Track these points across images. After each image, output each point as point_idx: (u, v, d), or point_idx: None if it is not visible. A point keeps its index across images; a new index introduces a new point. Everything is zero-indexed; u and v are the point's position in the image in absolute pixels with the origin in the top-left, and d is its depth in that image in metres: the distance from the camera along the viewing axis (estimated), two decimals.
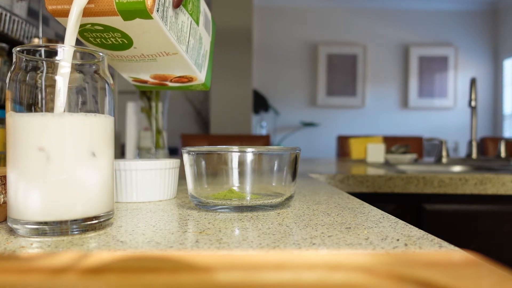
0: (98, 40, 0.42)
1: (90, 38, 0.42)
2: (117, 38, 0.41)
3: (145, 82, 0.54)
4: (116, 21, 0.38)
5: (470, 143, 1.38)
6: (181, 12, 0.45)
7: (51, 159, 0.31)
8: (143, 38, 0.42)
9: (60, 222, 0.32)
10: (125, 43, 0.42)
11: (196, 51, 0.51)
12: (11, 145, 0.32)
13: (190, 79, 0.53)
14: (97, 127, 0.33)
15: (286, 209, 0.45)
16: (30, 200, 0.31)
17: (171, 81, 0.53)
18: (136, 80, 0.54)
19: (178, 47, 0.45)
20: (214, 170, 0.44)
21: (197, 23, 0.50)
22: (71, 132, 0.32)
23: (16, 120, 0.31)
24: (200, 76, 0.53)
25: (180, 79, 0.53)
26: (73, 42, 0.35)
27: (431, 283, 0.17)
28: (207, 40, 0.55)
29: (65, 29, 0.35)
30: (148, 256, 0.21)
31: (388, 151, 1.51)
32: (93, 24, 0.39)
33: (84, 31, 0.40)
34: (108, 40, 0.42)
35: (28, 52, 0.33)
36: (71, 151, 0.32)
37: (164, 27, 0.40)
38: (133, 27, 0.39)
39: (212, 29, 0.57)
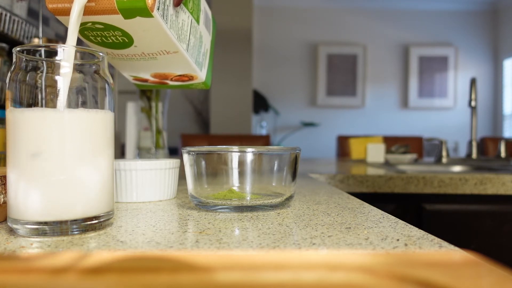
0: (98, 38, 0.42)
1: (90, 37, 0.42)
2: (117, 36, 0.41)
3: (146, 80, 0.54)
4: (116, 20, 0.38)
5: (470, 143, 1.38)
6: (181, 10, 0.45)
7: (51, 155, 0.31)
8: (144, 37, 0.42)
9: (60, 222, 0.32)
10: (126, 41, 0.42)
11: (197, 50, 0.51)
12: (11, 140, 0.32)
13: (190, 78, 0.53)
14: (97, 123, 0.33)
15: (286, 209, 0.45)
16: (30, 200, 0.31)
17: (171, 79, 0.53)
18: (136, 78, 0.54)
19: (179, 45, 0.45)
20: (214, 170, 0.44)
21: (198, 21, 0.50)
22: (71, 127, 0.32)
23: (16, 116, 0.31)
24: (201, 74, 0.53)
25: (180, 77, 0.53)
26: (75, 41, 0.35)
27: (431, 283, 0.17)
28: (207, 38, 0.55)
29: (65, 29, 0.35)
30: (148, 256, 0.21)
31: (388, 151, 1.51)
32: (93, 23, 0.39)
33: (84, 30, 0.40)
34: (108, 38, 0.42)
35: (28, 52, 0.33)
36: (71, 147, 0.32)
37: (164, 25, 0.40)
38: (133, 26, 0.39)
39: (212, 28, 0.57)
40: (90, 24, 0.39)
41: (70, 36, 0.35)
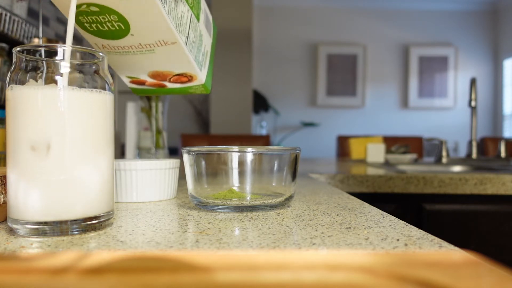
0: (94, 26, 0.41)
1: (85, 24, 0.41)
2: (113, 22, 0.40)
3: (143, 83, 0.53)
4: (112, 1, 0.37)
5: (470, 143, 1.38)
6: (180, 1, 0.44)
7: (51, 143, 0.31)
8: (141, 22, 0.41)
9: (60, 222, 0.32)
10: (122, 29, 0.41)
11: (197, 47, 0.50)
12: (10, 120, 0.32)
13: (190, 78, 0.52)
14: (96, 102, 0.33)
15: (286, 209, 0.45)
16: (30, 200, 0.31)
17: (170, 80, 0.52)
18: (133, 81, 0.53)
19: (177, 35, 0.44)
20: (214, 170, 0.44)
21: (198, 19, 0.49)
22: (70, 105, 0.32)
23: (16, 93, 0.31)
24: (201, 75, 0.52)
25: (179, 77, 0.51)
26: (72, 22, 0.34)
27: (431, 283, 0.17)
28: (208, 40, 0.54)
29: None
30: (148, 256, 0.21)
31: (388, 151, 1.51)
32: (88, 5, 0.38)
33: (79, 15, 0.40)
34: (104, 25, 0.41)
35: (28, 52, 0.33)
36: (71, 124, 0.32)
37: (162, 8, 0.39)
38: (130, 8, 0.38)
39: (213, 32, 0.57)
40: (85, 6, 0.38)
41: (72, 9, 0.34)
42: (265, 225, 0.37)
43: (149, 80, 0.52)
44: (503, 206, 0.88)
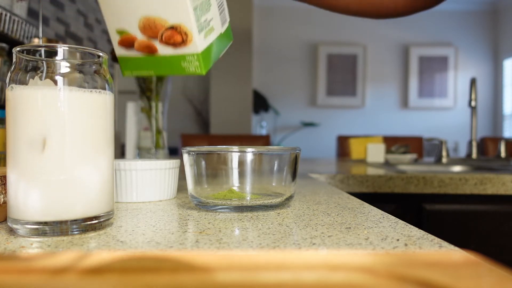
0: None
1: None
2: None
3: (133, 42, 0.48)
4: None
5: (470, 143, 1.38)
6: None
7: (50, 137, 0.31)
8: None
9: (60, 222, 0.32)
10: None
11: (200, 3, 0.45)
12: (10, 120, 0.32)
13: (184, 38, 0.46)
14: (96, 102, 0.33)
15: (286, 209, 0.45)
16: (30, 200, 0.31)
17: (162, 38, 0.46)
18: (123, 39, 0.48)
19: None
20: (214, 170, 0.44)
21: None
22: (70, 105, 0.32)
23: (16, 93, 0.31)
24: (197, 39, 0.45)
25: (172, 33, 0.46)
26: None
27: (431, 283, 0.17)
28: (217, 19, 0.49)
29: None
30: (148, 256, 0.21)
31: (388, 151, 1.51)
32: None
33: None
34: None
35: (28, 52, 0.33)
36: (71, 123, 0.32)
37: None
38: None
39: (227, 30, 0.53)
40: None
41: None
42: (265, 225, 0.37)
43: (139, 37, 0.47)
44: (503, 206, 0.88)
